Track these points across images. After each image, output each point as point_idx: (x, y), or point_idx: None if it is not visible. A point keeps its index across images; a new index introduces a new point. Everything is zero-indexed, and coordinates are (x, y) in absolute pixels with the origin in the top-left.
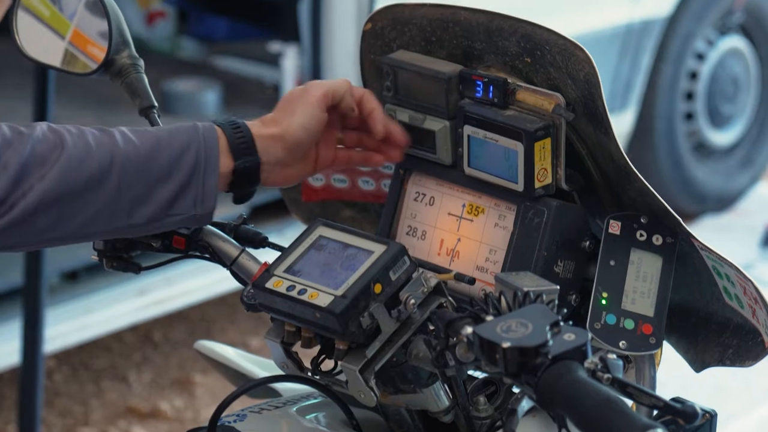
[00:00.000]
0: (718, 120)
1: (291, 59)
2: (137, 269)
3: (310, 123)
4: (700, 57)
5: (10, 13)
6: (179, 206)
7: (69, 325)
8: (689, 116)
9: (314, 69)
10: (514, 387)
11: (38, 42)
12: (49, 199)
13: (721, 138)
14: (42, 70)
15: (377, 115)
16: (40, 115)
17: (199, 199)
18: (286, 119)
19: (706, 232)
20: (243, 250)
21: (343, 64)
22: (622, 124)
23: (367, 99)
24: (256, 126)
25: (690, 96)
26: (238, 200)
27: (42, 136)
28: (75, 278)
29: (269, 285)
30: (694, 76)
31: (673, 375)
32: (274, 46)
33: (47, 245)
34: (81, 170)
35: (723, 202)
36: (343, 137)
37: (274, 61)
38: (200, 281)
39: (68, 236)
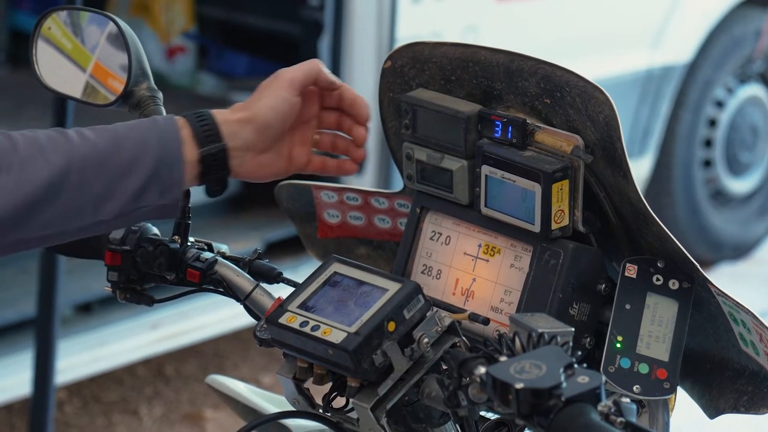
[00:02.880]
0: (736, 168)
1: None
2: (150, 302)
3: (280, 104)
4: (720, 104)
5: (29, 43)
6: (146, 198)
7: (81, 357)
8: (707, 163)
9: None
10: (526, 429)
11: (58, 73)
12: (6, 207)
13: (739, 186)
14: (60, 102)
15: (346, 88)
16: None
17: (166, 190)
18: (255, 103)
19: (723, 279)
20: (257, 285)
21: None
22: (639, 170)
23: (335, 79)
24: (224, 113)
25: (708, 143)
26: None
27: None
28: (88, 310)
29: (282, 320)
30: (713, 123)
31: (687, 421)
32: None
33: (9, 251)
34: (36, 175)
35: (739, 250)
36: (318, 139)
37: None
38: (214, 316)
39: (31, 239)
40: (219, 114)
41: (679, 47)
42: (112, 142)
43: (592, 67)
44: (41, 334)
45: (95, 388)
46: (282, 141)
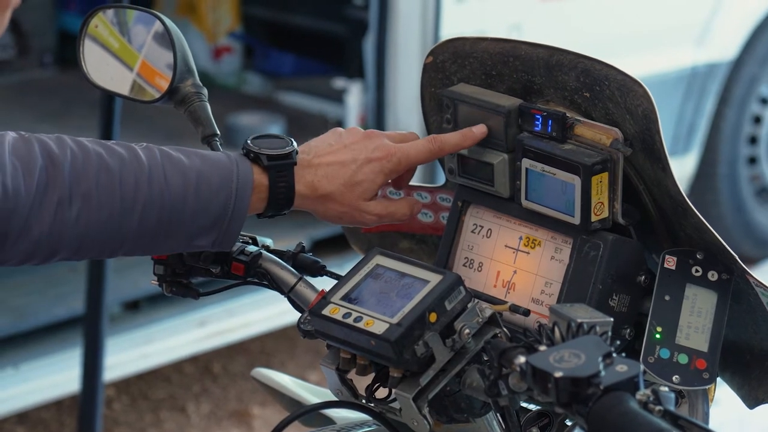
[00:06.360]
0: None
1: (355, 96)
2: (196, 295)
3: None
4: (765, 101)
5: (77, 41)
6: (199, 243)
7: (129, 355)
8: (752, 161)
9: (378, 106)
10: (567, 420)
11: (105, 71)
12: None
13: None
14: (108, 101)
15: None
16: None
17: (218, 241)
18: (346, 192)
19: (767, 276)
20: (301, 278)
21: (406, 101)
22: (684, 167)
23: None
24: (305, 175)
25: (753, 140)
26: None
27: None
28: (136, 308)
29: (326, 312)
30: (758, 120)
31: (730, 418)
32: (339, 83)
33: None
34: (106, 212)
35: None
36: None
37: (338, 97)
38: (260, 313)
39: (91, 253)
40: (299, 182)
41: (724, 44)
42: (183, 190)
43: (637, 65)
44: (90, 331)
45: (143, 386)
46: None
